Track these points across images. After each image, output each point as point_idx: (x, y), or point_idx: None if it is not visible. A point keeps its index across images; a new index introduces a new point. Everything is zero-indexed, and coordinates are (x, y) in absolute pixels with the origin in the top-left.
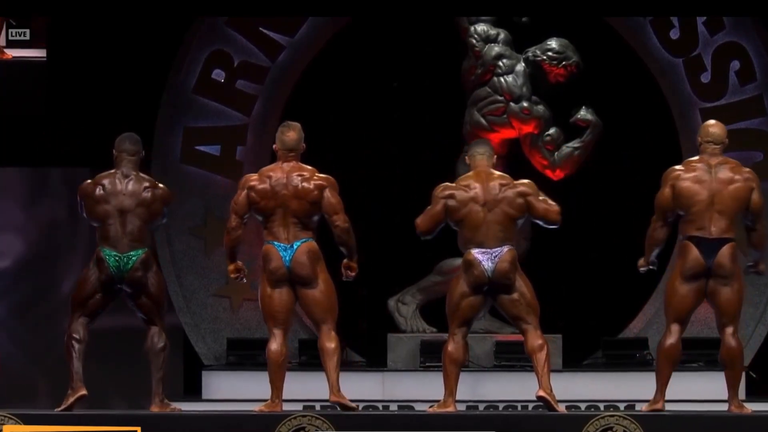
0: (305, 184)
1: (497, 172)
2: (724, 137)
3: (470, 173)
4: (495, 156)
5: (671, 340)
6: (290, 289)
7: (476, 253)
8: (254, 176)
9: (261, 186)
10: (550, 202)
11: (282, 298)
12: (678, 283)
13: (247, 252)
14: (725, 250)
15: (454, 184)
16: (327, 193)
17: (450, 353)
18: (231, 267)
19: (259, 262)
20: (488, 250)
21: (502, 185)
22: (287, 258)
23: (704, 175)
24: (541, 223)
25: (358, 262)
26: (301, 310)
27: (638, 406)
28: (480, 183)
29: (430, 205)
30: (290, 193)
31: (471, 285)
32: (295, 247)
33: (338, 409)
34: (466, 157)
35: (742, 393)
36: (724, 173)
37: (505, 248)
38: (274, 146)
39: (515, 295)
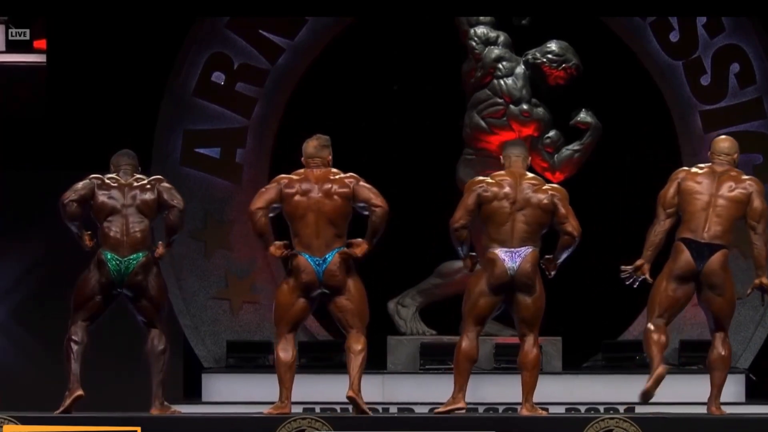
0: (335, 186)
1: (530, 174)
2: (733, 151)
3: (503, 171)
4: (529, 158)
5: (655, 328)
6: (313, 299)
7: (499, 251)
8: (286, 175)
9: (295, 181)
10: (575, 218)
11: (303, 309)
12: (665, 281)
13: (248, 255)
14: (717, 258)
15: (488, 178)
16: (359, 184)
17: (465, 350)
18: (272, 248)
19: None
20: (512, 249)
21: (533, 186)
22: (320, 271)
23: (707, 180)
24: (559, 231)
25: (369, 252)
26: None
27: (638, 409)
28: (513, 181)
29: (462, 198)
30: (322, 194)
31: (492, 283)
32: (328, 260)
33: (352, 406)
34: (501, 157)
35: (741, 396)
36: (726, 180)
37: (529, 249)
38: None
39: (530, 299)
